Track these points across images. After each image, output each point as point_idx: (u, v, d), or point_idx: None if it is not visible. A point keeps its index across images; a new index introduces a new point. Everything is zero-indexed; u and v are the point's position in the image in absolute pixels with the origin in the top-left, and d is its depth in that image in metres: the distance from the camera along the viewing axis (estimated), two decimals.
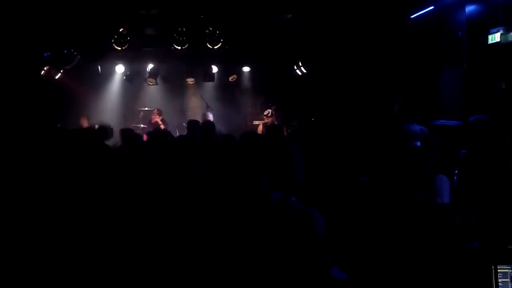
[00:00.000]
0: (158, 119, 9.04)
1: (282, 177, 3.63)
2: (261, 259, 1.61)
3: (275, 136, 5.20)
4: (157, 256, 2.65)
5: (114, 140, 6.01)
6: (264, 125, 9.02)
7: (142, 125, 9.66)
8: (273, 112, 9.35)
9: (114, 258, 2.57)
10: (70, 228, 2.99)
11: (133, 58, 10.31)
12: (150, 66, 10.54)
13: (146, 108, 10.35)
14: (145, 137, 8.01)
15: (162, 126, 8.69)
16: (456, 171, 4.57)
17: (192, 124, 6.31)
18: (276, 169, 3.41)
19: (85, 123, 8.78)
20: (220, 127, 8.24)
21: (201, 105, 11.25)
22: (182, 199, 2.97)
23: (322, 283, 1.57)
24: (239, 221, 2.43)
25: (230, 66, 11.04)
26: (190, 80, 10.90)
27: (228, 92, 11.44)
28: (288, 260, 1.56)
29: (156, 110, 9.33)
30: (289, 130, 9.69)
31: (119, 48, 8.56)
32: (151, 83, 10.59)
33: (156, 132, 6.62)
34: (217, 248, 2.49)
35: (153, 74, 10.42)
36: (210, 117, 8.46)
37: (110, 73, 10.90)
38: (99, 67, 10.32)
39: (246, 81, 11.61)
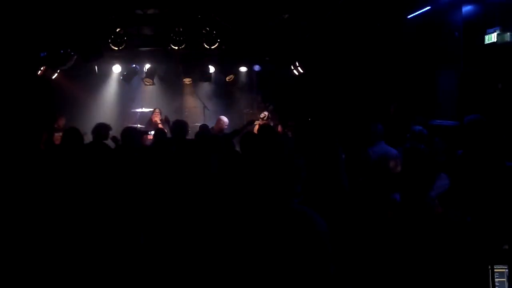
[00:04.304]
0: (157, 118, 9.02)
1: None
2: (261, 261, 1.60)
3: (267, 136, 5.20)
4: (160, 256, 2.66)
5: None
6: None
7: (139, 125, 9.64)
8: (269, 115, 9.32)
9: (120, 256, 2.57)
10: (75, 227, 2.99)
11: (130, 58, 10.29)
12: (147, 66, 10.53)
13: (143, 109, 10.33)
14: (149, 137, 8.05)
15: (160, 126, 8.66)
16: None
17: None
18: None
19: (62, 123, 8.65)
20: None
21: (199, 105, 11.25)
22: (188, 198, 2.98)
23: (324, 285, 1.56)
24: (238, 223, 2.43)
25: (227, 66, 11.03)
26: (187, 80, 10.89)
27: (225, 92, 11.44)
28: (289, 262, 1.55)
29: (157, 109, 9.30)
30: (285, 130, 9.70)
31: (116, 48, 8.55)
32: (148, 83, 10.57)
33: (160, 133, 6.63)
34: (219, 251, 2.48)
35: (150, 74, 10.40)
36: (225, 120, 8.44)
37: (107, 73, 10.87)
38: (95, 67, 10.29)
39: (243, 81, 11.61)
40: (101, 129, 5.80)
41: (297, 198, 2.32)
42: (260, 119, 9.36)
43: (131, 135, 5.36)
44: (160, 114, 9.14)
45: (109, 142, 5.96)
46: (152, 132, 7.94)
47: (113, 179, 3.91)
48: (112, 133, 6.04)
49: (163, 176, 3.70)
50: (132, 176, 3.94)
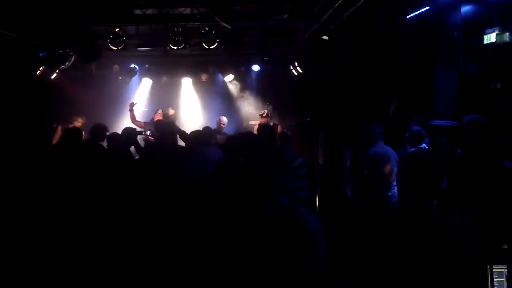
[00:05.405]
0: (160, 118, 9.01)
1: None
2: (253, 271, 1.50)
3: (266, 137, 5.18)
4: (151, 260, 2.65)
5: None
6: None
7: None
8: (269, 113, 9.33)
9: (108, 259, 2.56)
10: (66, 228, 2.98)
11: (129, 58, 10.28)
12: (146, 66, 10.52)
13: (143, 108, 10.32)
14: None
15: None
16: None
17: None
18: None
19: (79, 124, 8.56)
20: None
21: (197, 105, 11.24)
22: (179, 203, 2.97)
23: None
24: (234, 229, 2.42)
25: (226, 66, 11.02)
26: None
27: (225, 92, 11.43)
28: (275, 266, 1.44)
29: (160, 110, 9.29)
30: (285, 130, 9.70)
31: (115, 48, 8.53)
32: (146, 84, 10.57)
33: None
34: (209, 259, 2.48)
35: (148, 74, 10.40)
36: (224, 120, 8.42)
37: (106, 73, 10.85)
38: (94, 67, 10.27)
39: (242, 81, 11.60)
40: (98, 130, 5.80)
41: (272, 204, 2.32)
42: (260, 116, 9.37)
43: (116, 139, 5.40)
44: (162, 114, 9.13)
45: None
46: (148, 132, 7.93)
47: (103, 181, 3.91)
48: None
49: (147, 183, 3.71)
50: (119, 180, 3.94)
